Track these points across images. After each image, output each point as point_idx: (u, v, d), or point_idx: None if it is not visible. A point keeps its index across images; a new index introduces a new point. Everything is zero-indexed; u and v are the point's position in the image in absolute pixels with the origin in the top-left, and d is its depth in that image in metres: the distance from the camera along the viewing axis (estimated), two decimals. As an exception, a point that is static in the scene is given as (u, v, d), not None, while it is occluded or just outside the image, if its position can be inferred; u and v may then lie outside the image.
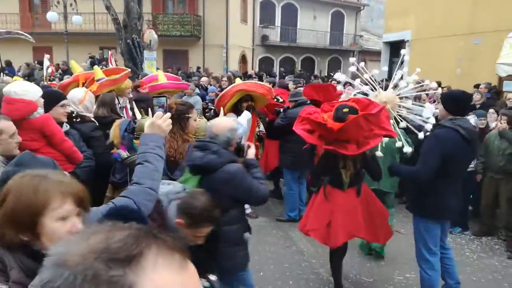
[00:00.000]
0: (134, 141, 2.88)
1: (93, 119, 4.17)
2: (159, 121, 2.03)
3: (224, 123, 2.92)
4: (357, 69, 4.49)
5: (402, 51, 4.61)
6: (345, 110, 3.43)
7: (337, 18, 30.14)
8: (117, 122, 4.05)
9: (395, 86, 4.25)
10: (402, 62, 4.50)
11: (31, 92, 3.24)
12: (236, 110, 5.23)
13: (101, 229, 0.62)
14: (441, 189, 3.45)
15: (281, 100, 6.32)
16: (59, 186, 1.32)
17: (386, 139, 3.99)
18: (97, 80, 5.03)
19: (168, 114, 2.12)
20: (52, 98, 3.53)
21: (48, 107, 3.43)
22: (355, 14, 31.11)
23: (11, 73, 13.50)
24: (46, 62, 9.05)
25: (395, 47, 16.47)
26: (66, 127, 3.57)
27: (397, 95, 4.14)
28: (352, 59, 4.67)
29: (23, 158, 1.68)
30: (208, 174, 2.68)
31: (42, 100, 3.31)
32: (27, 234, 1.28)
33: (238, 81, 5.73)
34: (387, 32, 16.82)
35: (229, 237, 2.75)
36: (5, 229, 1.27)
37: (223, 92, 5.10)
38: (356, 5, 30.97)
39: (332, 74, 23.69)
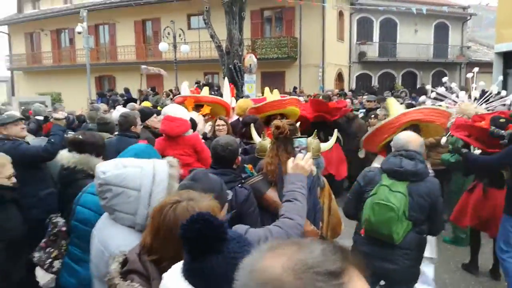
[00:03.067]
0: (246, 165, 3.08)
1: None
2: (301, 162, 2.26)
3: (416, 138, 3.12)
4: (448, 88, 4.96)
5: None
6: (502, 120, 3.98)
7: (440, 30, 28.49)
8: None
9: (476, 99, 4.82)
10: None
11: (184, 114, 3.75)
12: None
13: (282, 244, 0.70)
14: None
15: None
16: (217, 206, 1.54)
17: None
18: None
19: (309, 154, 2.36)
20: (194, 123, 4.22)
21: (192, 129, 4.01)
22: (461, 24, 29.12)
23: (129, 99, 15.13)
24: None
25: (509, 58, 15.10)
26: None
27: (475, 107, 4.64)
28: (445, 78, 5.23)
29: (197, 175, 2.00)
30: (416, 181, 2.88)
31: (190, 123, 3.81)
32: None
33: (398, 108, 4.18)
34: (499, 42, 15.51)
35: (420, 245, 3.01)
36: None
37: (382, 123, 3.93)
38: (462, 15, 28.97)
39: (434, 89, 22.32)
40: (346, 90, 21.53)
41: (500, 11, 15.76)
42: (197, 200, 1.51)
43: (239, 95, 12.00)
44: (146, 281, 1.43)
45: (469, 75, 5.11)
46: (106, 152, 3.82)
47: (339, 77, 25.24)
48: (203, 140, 4.82)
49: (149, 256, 1.48)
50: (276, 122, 3.20)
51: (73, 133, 4.98)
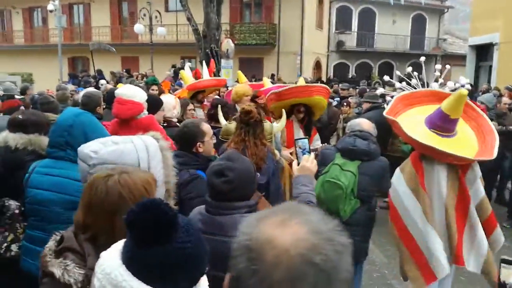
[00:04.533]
0: None
1: (178, 124, 4.53)
2: (308, 164, 2.28)
3: (368, 122, 3.24)
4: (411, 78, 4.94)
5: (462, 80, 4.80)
6: None
7: (418, 21, 28.79)
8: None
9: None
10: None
11: (139, 95, 3.63)
12: None
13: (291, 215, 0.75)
14: None
15: None
16: (153, 178, 1.50)
17: None
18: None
19: (313, 155, 2.38)
20: (157, 103, 3.99)
21: (153, 110, 3.82)
22: (438, 17, 29.50)
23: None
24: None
25: (482, 51, 15.40)
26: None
27: None
28: (409, 69, 5.13)
29: (232, 154, 2.02)
30: (368, 160, 2.99)
31: (146, 104, 3.68)
32: None
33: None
34: (473, 35, 15.78)
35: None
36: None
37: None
38: (439, 8, 29.36)
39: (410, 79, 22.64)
40: (324, 79, 21.65)
41: (475, 5, 16.02)
42: (131, 173, 1.47)
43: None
44: (81, 259, 1.38)
45: (409, 69, 5.08)
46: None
47: (317, 65, 25.28)
48: (178, 124, 4.73)
49: (83, 234, 1.43)
50: (246, 107, 3.18)
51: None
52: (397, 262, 4.73)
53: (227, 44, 13.93)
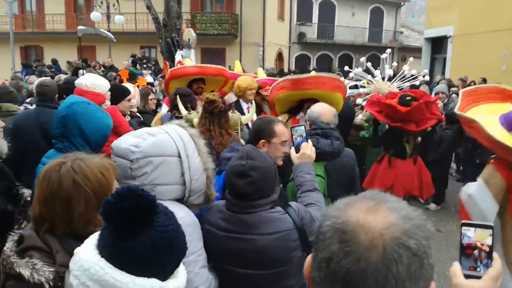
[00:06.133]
0: None
1: (138, 114, 4.41)
2: (308, 152, 2.30)
3: (329, 109, 2.98)
4: (366, 68, 5.43)
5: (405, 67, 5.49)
6: (408, 98, 4.27)
7: (376, 14, 29.51)
8: (159, 115, 4.21)
9: (390, 78, 5.37)
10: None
11: (100, 85, 3.47)
12: None
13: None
14: None
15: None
16: (111, 164, 1.46)
17: None
18: None
19: (311, 142, 2.35)
20: (121, 92, 3.80)
21: (116, 100, 3.67)
22: (395, 10, 30.34)
23: (57, 71, 14.15)
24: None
25: (437, 44, 15.98)
26: (127, 118, 3.86)
27: (389, 86, 5.21)
28: (362, 59, 5.65)
29: (251, 152, 1.89)
30: (333, 159, 2.86)
31: (109, 93, 3.54)
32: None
33: None
34: (428, 28, 16.33)
35: None
36: (82, 218, 1.36)
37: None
38: (397, 1, 30.20)
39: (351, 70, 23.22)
40: (286, 70, 21.79)
41: (431, -2, 16.53)
42: (85, 159, 1.42)
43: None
44: (47, 256, 1.31)
45: (384, 55, 5.57)
46: (24, 124, 3.53)
47: (279, 57, 25.40)
48: (138, 114, 4.57)
49: (41, 227, 1.36)
50: (210, 96, 3.12)
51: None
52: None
53: (189, 34, 13.62)
